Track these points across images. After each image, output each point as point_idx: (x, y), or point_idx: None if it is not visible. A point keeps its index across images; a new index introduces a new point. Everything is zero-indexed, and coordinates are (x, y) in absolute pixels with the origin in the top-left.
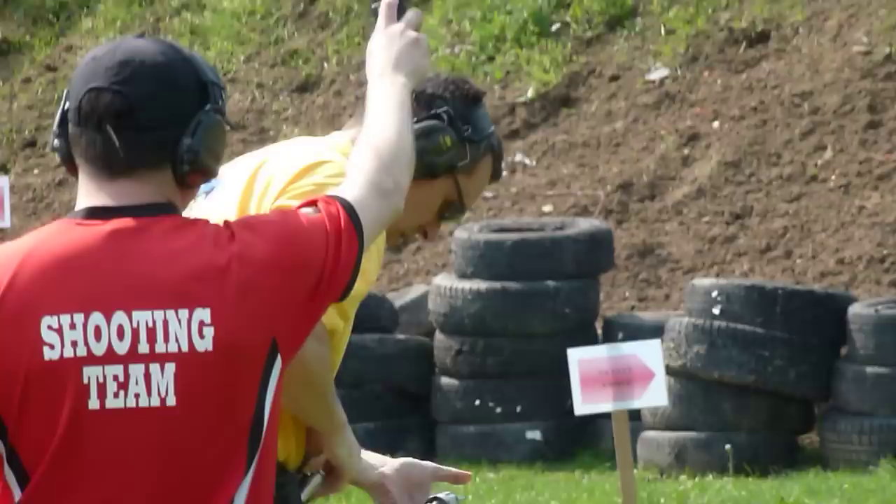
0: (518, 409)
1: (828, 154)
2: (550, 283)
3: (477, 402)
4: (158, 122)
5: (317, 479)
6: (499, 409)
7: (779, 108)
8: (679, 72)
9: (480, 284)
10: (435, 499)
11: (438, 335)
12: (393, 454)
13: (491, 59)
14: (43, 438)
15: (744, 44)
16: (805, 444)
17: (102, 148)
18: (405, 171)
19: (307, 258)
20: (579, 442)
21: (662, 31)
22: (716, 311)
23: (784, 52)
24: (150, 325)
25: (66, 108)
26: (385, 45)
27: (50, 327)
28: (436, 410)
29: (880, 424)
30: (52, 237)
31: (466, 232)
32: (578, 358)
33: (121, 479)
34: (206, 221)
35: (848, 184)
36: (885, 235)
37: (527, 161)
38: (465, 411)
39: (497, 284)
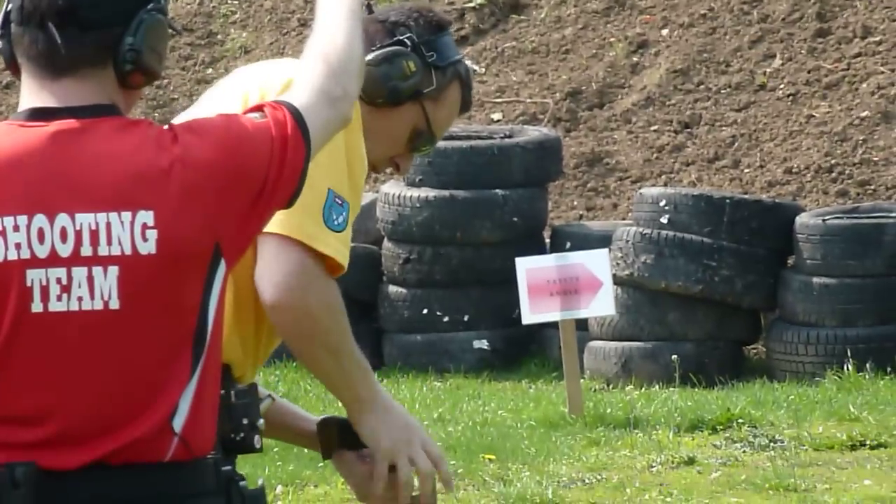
0: (465, 318)
1: (777, 62)
2: (499, 191)
3: (424, 311)
4: (101, 20)
5: (267, 400)
6: (446, 318)
7: (728, 16)
8: None
9: (429, 192)
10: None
11: (386, 243)
12: None
13: None
14: None
15: None
16: (751, 355)
17: (45, 46)
18: (354, 79)
19: (251, 163)
20: (526, 351)
21: None
22: (663, 220)
23: None
24: (93, 227)
25: (8, 7)
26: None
27: None
28: (383, 319)
29: (826, 335)
30: None
31: None
32: (526, 267)
33: (64, 382)
34: (149, 123)
35: (796, 93)
36: (833, 145)
37: (476, 67)
38: (413, 320)
39: (445, 192)
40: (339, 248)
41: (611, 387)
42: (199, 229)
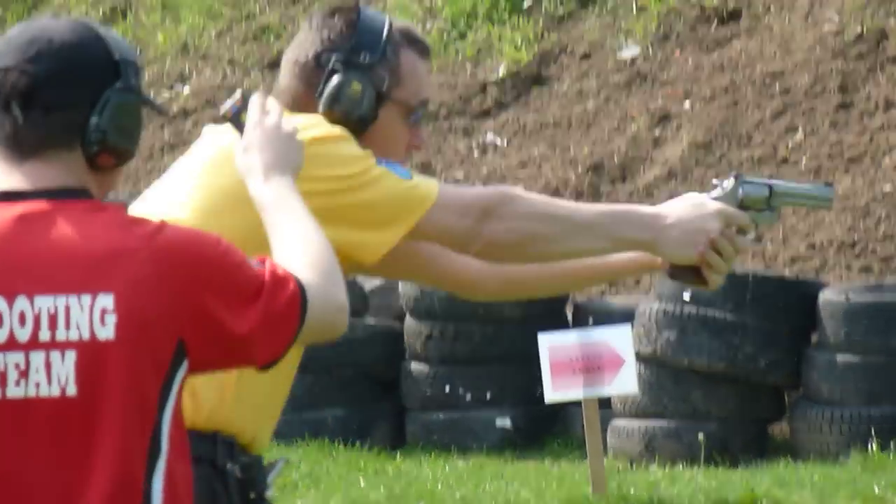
0: (488, 395)
1: (798, 136)
2: None
3: (447, 389)
4: (65, 100)
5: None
6: (468, 396)
7: (750, 89)
8: (650, 50)
9: None
10: None
11: (409, 320)
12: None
13: (462, 35)
14: None
15: (715, 22)
16: (775, 434)
17: (11, 129)
18: (341, 282)
19: (233, 277)
20: (549, 429)
21: (634, 9)
22: (686, 296)
23: (755, 30)
24: (52, 311)
25: None
26: (263, 141)
27: None
28: (405, 396)
29: (850, 414)
30: None
31: None
32: (549, 344)
33: (21, 468)
34: (120, 207)
35: (819, 166)
36: (856, 220)
37: (498, 141)
38: (435, 397)
39: None
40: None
41: (634, 466)
42: (162, 320)
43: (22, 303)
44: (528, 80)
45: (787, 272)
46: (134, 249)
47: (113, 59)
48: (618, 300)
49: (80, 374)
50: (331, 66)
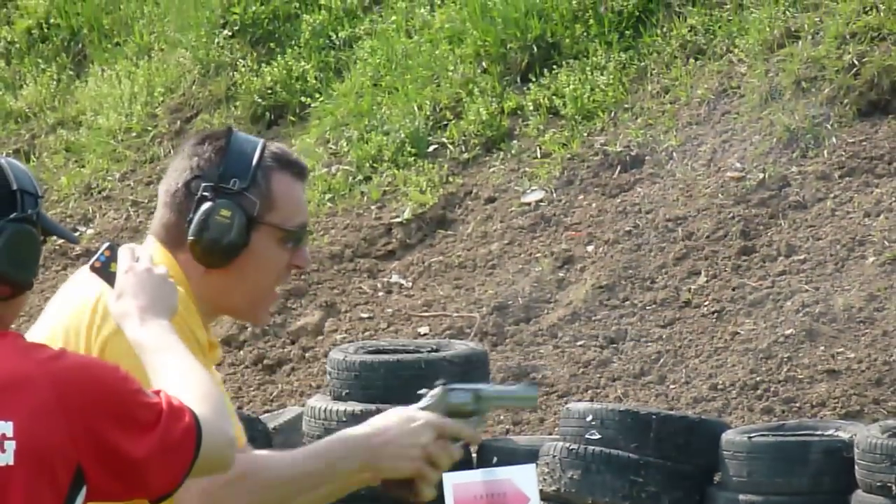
0: None
1: (701, 279)
2: None
3: None
4: None
5: None
6: None
7: (653, 233)
8: (554, 195)
9: (356, 406)
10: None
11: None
12: None
13: (368, 179)
14: None
15: (618, 168)
16: None
17: None
18: (229, 418)
19: (128, 402)
20: None
21: (538, 154)
22: (589, 436)
23: (658, 176)
24: None
25: None
26: (136, 286)
27: None
28: None
29: None
30: None
31: (342, 353)
32: (453, 482)
33: None
34: (17, 335)
35: (721, 309)
36: (759, 362)
37: (403, 282)
38: None
39: (372, 406)
40: None
41: None
42: (60, 446)
43: None
44: (433, 223)
45: (691, 413)
46: (33, 376)
47: (10, 188)
48: (521, 439)
49: None
50: (199, 193)
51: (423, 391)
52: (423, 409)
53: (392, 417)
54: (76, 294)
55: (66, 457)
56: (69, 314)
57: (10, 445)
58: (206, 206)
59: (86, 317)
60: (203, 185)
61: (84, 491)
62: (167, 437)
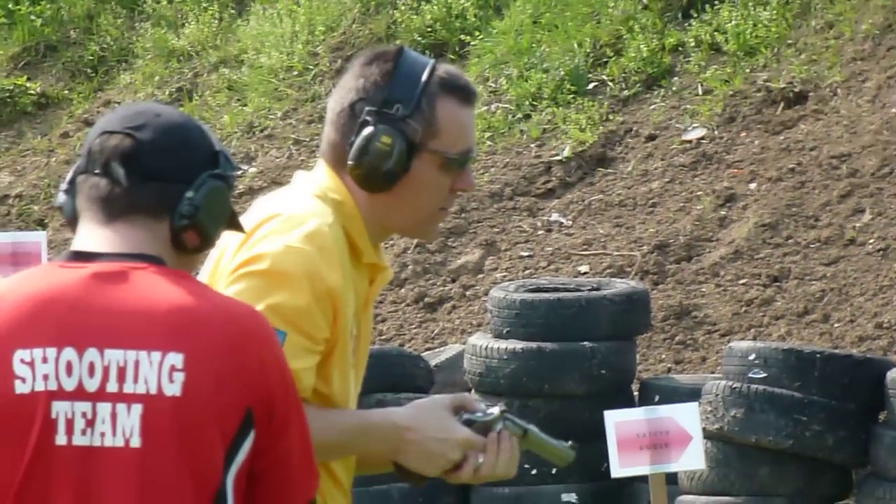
0: (553, 470)
1: (866, 217)
2: (587, 343)
3: None
4: (163, 171)
5: None
6: (534, 471)
7: (816, 170)
8: (716, 132)
9: (516, 344)
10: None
11: (474, 395)
12: None
13: (527, 116)
14: (9, 472)
15: (781, 104)
16: None
17: (106, 189)
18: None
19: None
20: None
21: (700, 91)
22: (753, 374)
23: (822, 113)
24: (121, 364)
25: (77, 165)
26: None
27: (22, 360)
28: None
29: None
30: (32, 277)
31: (502, 291)
32: (615, 420)
33: None
34: (193, 276)
35: (886, 247)
36: None
37: (563, 220)
38: None
39: (533, 344)
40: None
41: None
42: (231, 385)
43: (92, 354)
44: (593, 161)
45: (855, 352)
46: (207, 314)
47: (214, 149)
48: (683, 377)
49: (144, 426)
50: (362, 116)
51: (485, 404)
52: (468, 421)
53: (434, 417)
54: (248, 215)
55: (235, 398)
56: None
57: (179, 377)
58: (367, 130)
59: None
60: (367, 108)
61: (252, 437)
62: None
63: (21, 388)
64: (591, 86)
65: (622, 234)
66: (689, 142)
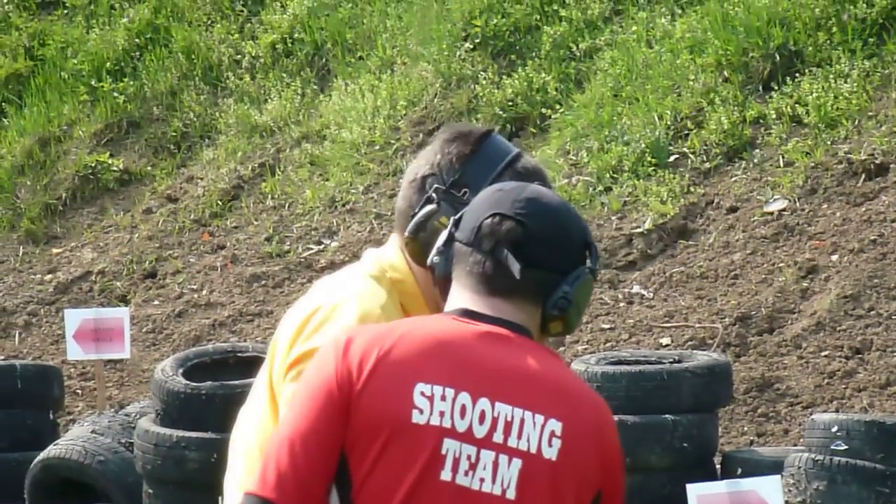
0: None
1: None
2: (668, 416)
3: None
4: (546, 261)
5: None
6: None
7: None
8: (798, 203)
9: None
10: None
11: None
12: None
13: (608, 189)
14: (385, 496)
15: (862, 176)
16: None
17: (491, 268)
18: None
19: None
20: None
21: (781, 163)
22: (835, 446)
23: None
24: (509, 418)
25: (452, 230)
26: None
27: (423, 393)
28: None
29: None
30: (429, 322)
31: (584, 364)
32: (697, 493)
33: None
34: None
35: None
36: None
37: (644, 292)
38: None
39: (615, 417)
40: None
41: None
42: (595, 465)
43: (484, 404)
44: (675, 233)
45: None
46: (581, 393)
47: (587, 239)
48: (766, 450)
49: (521, 481)
50: (430, 192)
51: None
52: None
53: None
54: (302, 304)
55: (593, 478)
56: (289, 322)
57: (557, 443)
58: (428, 207)
59: (296, 324)
60: (436, 185)
61: None
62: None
63: (418, 417)
64: (671, 158)
65: (703, 306)
66: (771, 214)
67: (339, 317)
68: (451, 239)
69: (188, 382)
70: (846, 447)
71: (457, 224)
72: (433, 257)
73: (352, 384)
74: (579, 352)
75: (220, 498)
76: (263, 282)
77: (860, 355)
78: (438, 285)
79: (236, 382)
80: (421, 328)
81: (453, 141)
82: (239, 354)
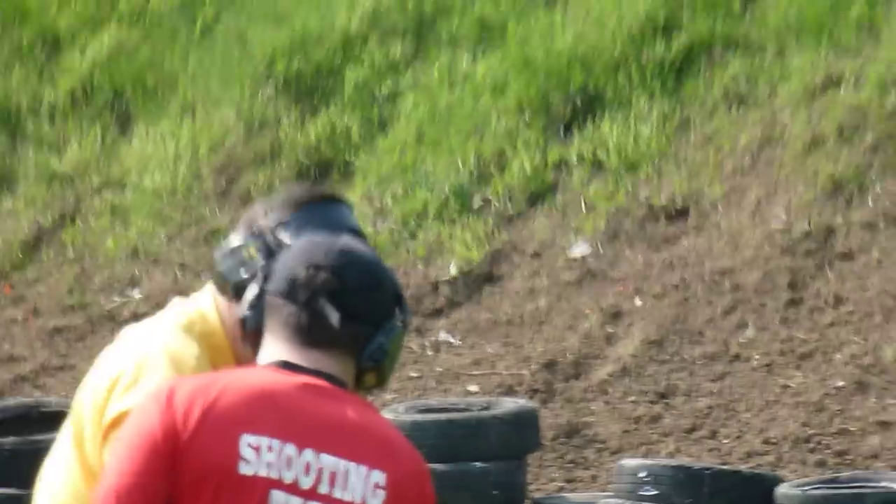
0: None
1: (750, 332)
2: (478, 463)
3: None
4: (362, 313)
5: None
6: None
7: (700, 286)
8: (600, 248)
9: None
10: None
11: None
12: None
13: (413, 235)
14: None
15: (663, 219)
16: None
17: (307, 321)
18: None
19: None
20: None
21: (583, 207)
22: (643, 492)
23: (703, 228)
24: (334, 470)
25: (262, 284)
26: None
27: (250, 445)
28: None
29: None
30: (251, 373)
31: (392, 413)
32: None
33: None
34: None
35: (771, 363)
36: (810, 415)
37: (451, 340)
38: None
39: None
40: None
41: None
42: None
43: (309, 455)
44: (480, 279)
45: (744, 468)
46: (403, 446)
47: (398, 292)
48: (575, 496)
49: None
50: (252, 229)
51: None
52: None
53: None
54: (110, 355)
55: None
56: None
57: (381, 494)
58: (245, 239)
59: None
60: (256, 225)
61: None
62: None
63: (245, 468)
64: (476, 204)
65: (511, 353)
66: (575, 259)
67: (152, 371)
68: (262, 293)
69: None
70: (655, 492)
71: (267, 278)
72: (244, 311)
73: (177, 435)
74: (388, 400)
75: None
76: (66, 335)
77: (665, 400)
78: (249, 338)
79: (41, 437)
80: (243, 379)
81: (294, 195)
82: (42, 409)
